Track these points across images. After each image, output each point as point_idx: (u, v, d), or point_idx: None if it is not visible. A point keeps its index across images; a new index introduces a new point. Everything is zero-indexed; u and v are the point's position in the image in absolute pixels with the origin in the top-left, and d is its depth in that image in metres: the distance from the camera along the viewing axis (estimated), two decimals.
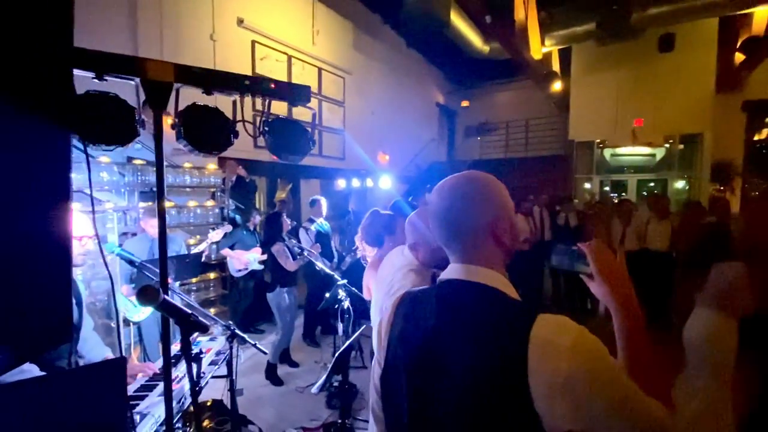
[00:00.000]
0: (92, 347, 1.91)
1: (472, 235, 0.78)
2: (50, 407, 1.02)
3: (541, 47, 8.30)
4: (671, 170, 9.54)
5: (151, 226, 3.54)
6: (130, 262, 1.89)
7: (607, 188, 10.54)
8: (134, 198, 4.25)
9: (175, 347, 2.16)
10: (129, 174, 4.17)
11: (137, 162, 4.39)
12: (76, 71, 0.99)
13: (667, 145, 9.32)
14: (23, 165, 0.62)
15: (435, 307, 0.79)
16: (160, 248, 1.10)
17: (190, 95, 1.31)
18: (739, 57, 7.52)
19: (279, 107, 1.78)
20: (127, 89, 1.09)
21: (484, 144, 13.27)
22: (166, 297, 0.92)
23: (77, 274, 3.02)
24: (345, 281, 3.07)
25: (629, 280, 0.80)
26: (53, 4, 0.64)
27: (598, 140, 9.86)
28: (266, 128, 1.28)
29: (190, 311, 0.97)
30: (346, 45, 8.90)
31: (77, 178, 3.39)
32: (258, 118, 1.30)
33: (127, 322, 3.42)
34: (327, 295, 3.12)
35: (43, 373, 1.42)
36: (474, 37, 8.73)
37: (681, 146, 9.36)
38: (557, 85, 9.73)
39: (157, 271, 2.04)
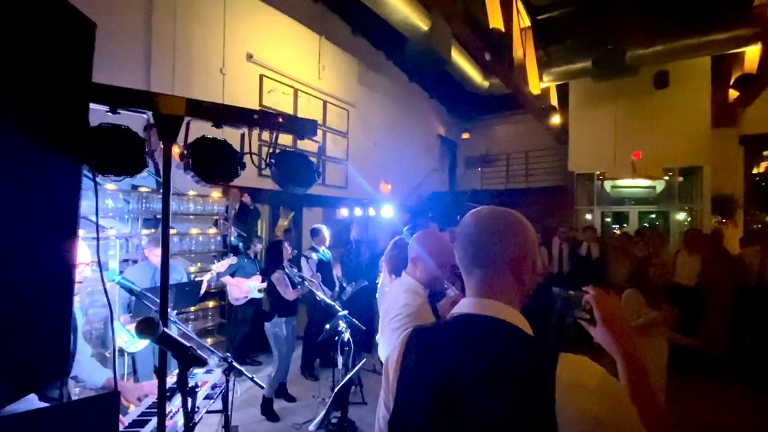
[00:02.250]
0: (92, 372, 1.87)
1: (496, 267, 0.78)
2: None
3: (539, 83, 8.58)
4: (672, 202, 9.58)
5: (155, 255, 3.53)
6: (130, 291, 1.87)
7: (608, 219, 10.56)
8: (137, 225, 4.27)
9: (170, 380, 2.10)
10: (134, 201, 4.21)
11: (142, 189, 4.44)
12: (90, 105, 1.02)
13: (667, 178, 9.41)
14: (35, 197, 0.63)
15: (451, 344, 0.76)
16: (162, 279, 1.09)
17: (199, 126, 1.35)
18: (732, 93, 7.73)
19: (286, 137, 1.83)
20: (134, 120, 1.13)
21: (485, 175, 13.45)
22: (165, 330, 0.91)
23: (74, 300, 2.98)
24: (346, 312, 3.01)
25: (632, 330, 0.80)
26: (75, 45, 0.67)
27: (598, 172, 9.98)
28: (272, 160, 1.31)
29: (188, 344, 0.95)
30: (350, 79, 9.21)
31: (82, 204, 3.42)
32: (264, 149, 1.32)
33: (121, 351, 3.35)
34: (327, 326, 3.05)
35: (43, 404, 1.39)
36: (474, 73, 9.05)
37: (681, 179, 9.45)
38: (556, 119, 9.97)
39: (157, 300, 2.02)
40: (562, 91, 10.15)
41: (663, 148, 8.68)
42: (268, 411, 3.78)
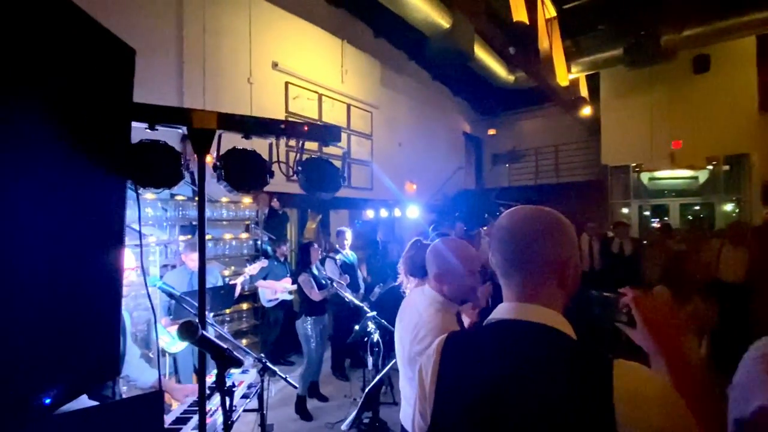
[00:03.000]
0: (142, 372, 2.00)
1: (537, 270, 0.74)
2: None
3: (567, 74, 8.30)
4: (717, 193, 9.01)
5: (192, 260, 3.70)
6: (170, 295, 1.98)
7: (647, 213, 10.06)
8: (175, 232, 4.49)
9: (209, 379, 2.20)
10: (171, 209, 4.44)
11: (179, 198, 4.67)
12: (135, 123, 1.10)
13: (711, 167, 8.86)
14: (85, 210, 0.69)
15: (494, 352, 0.72)
16: (200, 284, 1.16)
17: (230, 137, 1.42)
18: None
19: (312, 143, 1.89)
20: (171, 134, 1.20)
21: (513, 171, 13.14)
22: (204, 333, 0.96)
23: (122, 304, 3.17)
24: (374, 313, 3.04)
25: (678, 331, 0.75)
26: (118, 69, 0.73)
27: (634, 164, 9.53)
28: (299, 168, 1.35)
29: (225, 346, 1.00)
30: (373, 81, 9.27)
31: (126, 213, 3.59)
32: (291, 155, 1.37)
33: (163, 352, 3.53)
34: (356, 327, 3.09)
35: (93, 402, 1.50)
36: (498, 68, 8.88)
37: (726, 167, 8.87)
38: (586, 111, 9.61)
39: (195, 303, 2.12)
40: (593, 82, 9.78)
41: (705, 136, 8.18)
42: (301, 410, 3.87)
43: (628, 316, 0.78)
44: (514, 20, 6.63)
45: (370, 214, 7.07)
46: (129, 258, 2.01)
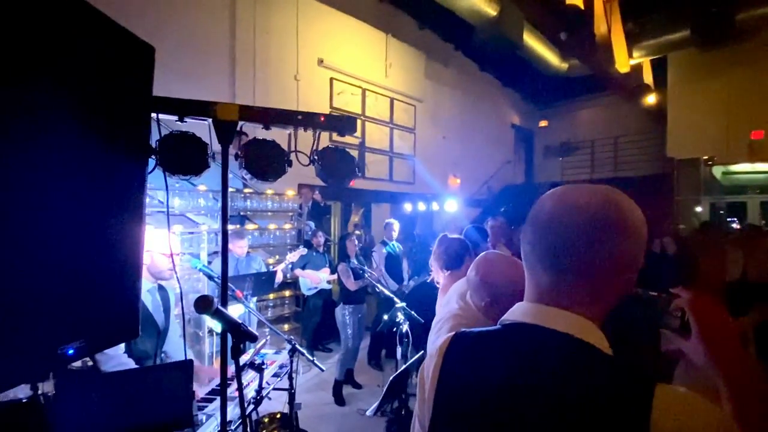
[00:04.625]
0: (178, 349, 2.17)
1: (582, 272, 0.58)
2: (134, 394, 1.22)
3: (628, 60, 7.68)
4: None
5: (237, 247, 3.97)
6: (210, 278, 2.14)
7: (721, 212, 9.05)
8: None
9: (245, 357, 2.37)
10: (220, 200, 4.77)
11: (229, 189, 5.01)
12: (164, 116, 1.22)
13: None
14: (107, 188, 0.79)
15: (503, 359, 0.61)
16: (222, 266, 1.26)
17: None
18: None
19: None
20: (200, 126, 1.31)
21: (567, 164, 12.43)
22: (219, 307, 1.05)
23: (173, 286, 3.49)
24: (404, 304, 3.07)
25: (741, 349, 0.61)
26: (137, 65, 0.82)
27: (705, 157, 8.59)
28: (316, 157, 1.41)
29: (239, 321, 1.09)
30: (417, 74, 9.21)
31: (181, 203, 3.93)
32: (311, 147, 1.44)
33: (211, 332, 3.82)
34: (385, 317, 3.15)
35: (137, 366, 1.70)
36: (550, 56, 8.42)
37: None
38: (650, 99, 8.83)
39: (233, 287, 2.28)
40: (659, 67, 8.93)
41: None
42: (337, 394, 4.02)
43: (682, 321, 0.65)
44: (567, 3, 6.24)
45: (408, 207, 7.09)
46: (176, 243, 2.18)
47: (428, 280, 4.53)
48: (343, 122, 1.39)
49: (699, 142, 8.45)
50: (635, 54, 7.76)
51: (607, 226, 0.57)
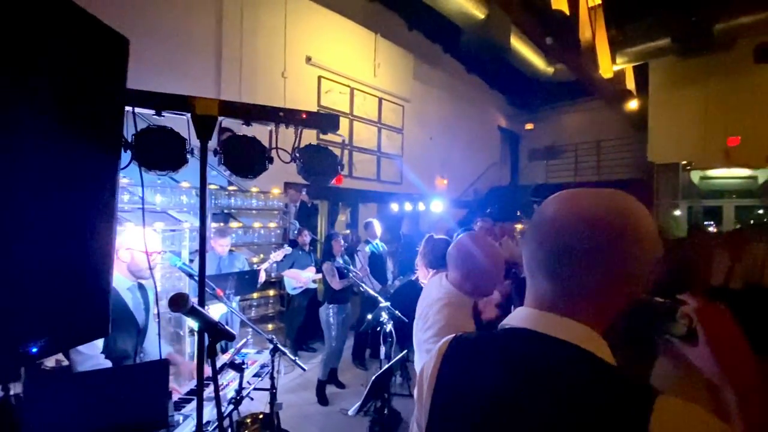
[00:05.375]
0: (156, 347, 2.12)
1: (588, 279, 0.56)
2: (107, 394, 1.19)
3: (611, 65, 7.84)
4: None
5: (219, 245, 3.91)
6: (190, 275, 2.10)
7: (699, 216, 9.35)
8: (207, 219, 4.74)
9: (225, 356, 2.33)
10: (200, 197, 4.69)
11: (212, 187, 4.93)
12: (142, 110, 1.19)
13: None
14: (74, 183, 0.77)
15: (501, 366, 0.60)
16: (200, 264, 1.24)
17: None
18: None
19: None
20: (181, 122, 1.28)
21: (551, 167, 12.63)
22: (194, 305, 1.03)
23: (152, 284, 3.41)
24: (388, 304, 3.07)
25: (750, 358, 0.59)
26: (109, 56, 0.80)
27: (684, 162, 8.86)
28: (297, 154, 1.39)
29: (216, 320, 1.07)
30: (406, 75, 9.23)
31: (163, 200, 3.85)
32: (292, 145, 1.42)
33: (192, 331, 3.76)
34: (369, 317, 3.14)
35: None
36: (536, 60, 8.54)
37: None
38: (632, 104, 9.05)
39: (213, 285, 2.25)
40: (641, 74, 9.16)
41: (766, 132, 7.44)
42: (320, 394, 3.99)
43: (689, 329, 0.62)
44: (553, 8, 6.34)
45: (394, 207, 7.10)
46: (156, 241, 2.12)
47: (413, 279, 4.56)
48: (325, 119, 1.38)
49: (678, 148, 8.71)
50: (618, 60, 7.94)
51: (611, 235, 0.55)
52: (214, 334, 1.06)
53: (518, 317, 0.63)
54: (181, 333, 3.95)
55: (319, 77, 7.44)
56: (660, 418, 0.47)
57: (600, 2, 7.43)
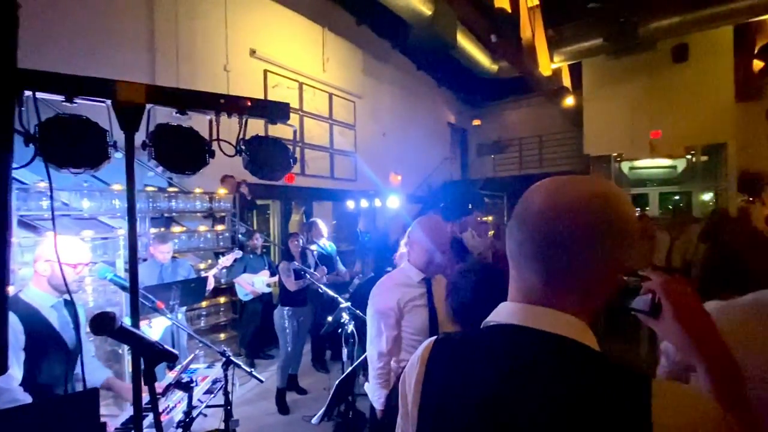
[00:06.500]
0: (93, 370, 1.88)
1: (572, 271, 0.55)
2: None
3: (550, 64, 8.28)
4: (695, 182, 9.18)
5: (160, 252, 3.57)
6: (124, 288, 1.87)
7: None
8: (145, 224, 4.33)
9: (171, 374, 2.11)
10: (141, 201, 4.27)
11: (149, 189, 4.50)
12: (49, 95, 0.99)
13: (689, 156, 9.00)
14: None
15: (490, 365, 0.58)
16: (131, 275, 1.06)
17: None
18: (757, 64, 7.29)
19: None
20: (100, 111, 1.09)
21: (498, 162, 13.18)
22: (123, 325, 0.87)
23: (82, 299, 3.03)
24: (348, 304, 2.98)
25: (714, 325, 0.61)
26: None
27: (615, 154, 9.63)
28: (243, 147, 1.25)
29: (152, 340, 0.92)
30: (356, 70, 9.11)
31: (91, 205, 3.42)
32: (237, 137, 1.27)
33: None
34: (329, 318, 3.03)
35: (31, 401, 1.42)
36: (482, 57, 8.81)
37: (704, 157, 9.03)
38: (569, 101, 9.64)
39: (151, 297, 2.02)
40: (576, 72, 9.80)
41: (684, 126, 8.29)
42: (279, 402, 3.81)
43: (652, 303, 0.64)
44: (496, 7, 6.55)
45: (350, 204, 6.99)
46: (85, 252, 1.86)
47: (373, 276, 4.48)
48: (274, 108, 1.25)
49: (610, 141, 9.44)
50: (555, 59, 8.40)
51: (596, 224, 0.54)
52: (150, 357, 0.91)
53: (504, 313, 0.61)
54: (120, 351, 3.58)
55: (265, 71, 7.12)
56: (660, 402, 0.47)
57: (538, 3, 7.80)
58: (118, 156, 1.16)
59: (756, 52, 6.97)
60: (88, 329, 1.91)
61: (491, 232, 5.61)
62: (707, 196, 9.18)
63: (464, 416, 0.58)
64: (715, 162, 8.85)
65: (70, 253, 1.67)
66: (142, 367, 0.94)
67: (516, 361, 0.56)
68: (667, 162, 9.09)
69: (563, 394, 0.51)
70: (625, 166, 9.69)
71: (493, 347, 0.60)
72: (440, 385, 0.63)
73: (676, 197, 9.76)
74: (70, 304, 1.75)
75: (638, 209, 10.01)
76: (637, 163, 9.47)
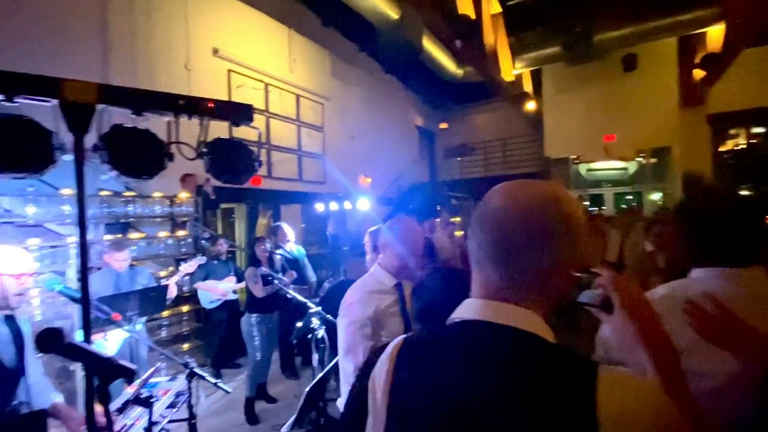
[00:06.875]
0: (40, 392, 1.71)
1: (527, 268, 0.60)
2: None
3: (512, 69, 8.58)
4: (646, 183, 9.82)
5: (116, 260, 3.36)
6: (74, 299, 1.74)
7: (586, 202, 10.77)
8: (100, 231, 4.07)
9: (130, 389, 1.99)
10: (95, 206, 4.01)
11: (104, 193, 4.24)
12: None
13: (640, 159, 9.63)
14: None
15: (457, 361, 0.60)
16: (82, 286, 0.99)
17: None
18: (698, 73, 7.91)
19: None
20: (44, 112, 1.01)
21: (464, 164, 13.49)
22: (72, 341, 0.81)
23: (28, 312, 2.79)
24: (319, 308, 2.94)
25: (659, 320, 0.65)
26: None
27: (573, 156, 10.14)
28: (204, 149, 1.20)
29: (106, 355, 0.86)
30: (323, 72, 9.03)
31: (38, 212, 3.16)
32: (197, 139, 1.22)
33: None
34: (299, 324, 2.97)
35: None
36: (447, 62, 8.99)
37: (653, 160, 9.68)
38: (530, 105, 10.03)
39: (105, 308, 1.90)
40: (537, 78, 10.22)
41: (634, 130, 8.86)
42: (248, 412, 3.69)
43: (603, 299, 0.68)
44: (459, 13, 6.71)
45: (319, 207, 6.91)
46: (29, 261, 1.71)
47: (343, 279, 4.44)
48: (237, 109, 1.20)
49: (568, 144, 9.93)
50: (517, 65, 8.72)
51: (549, 225, 0.60)
52: (105, 374, 0.85)
53: (467, 309, 0.64)
54: (71, 368, 3.34)
55: (229, 71, 6.90)
56: (605, 388, 0.50)
57: (500, 10, 8.07)
58: (69, 159, 1.09)
59: (698, 62, 7.56)
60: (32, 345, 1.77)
61: (459, 233, 5.73)
62: (656, 196, 9.84)
63: (433, 412, 0.60)
64: (663, 164, 9.52)
65: (12, 263, 1.54)
66: (96, 384, 0.88)
67: (480, 354, 0.59)
68: (620, 164, 9.67)
69: (522, 384, 0.54)
70: (582, 168, 10.21)
71: (458, 343, 0.62)
72: (409, 381, 0.65)
73: (629, 197, 10.40)
74: (10, 320, 1.61)
75: (595, 208, 10.60)
76: (594, 165, 10.02)
